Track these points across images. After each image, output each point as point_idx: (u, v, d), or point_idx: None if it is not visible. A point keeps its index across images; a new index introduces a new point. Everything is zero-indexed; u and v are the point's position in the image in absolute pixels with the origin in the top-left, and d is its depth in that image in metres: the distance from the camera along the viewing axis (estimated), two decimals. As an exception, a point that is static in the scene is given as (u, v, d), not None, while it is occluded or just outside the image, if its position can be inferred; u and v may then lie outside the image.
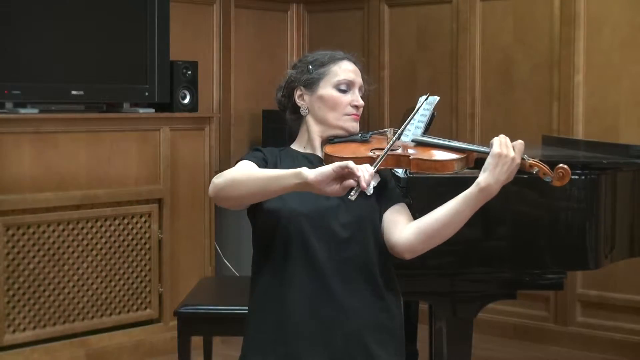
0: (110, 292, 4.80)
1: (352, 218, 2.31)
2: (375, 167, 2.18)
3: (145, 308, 4.95)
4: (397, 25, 5.85)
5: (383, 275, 2.35)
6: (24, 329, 4.48)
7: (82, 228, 4.68)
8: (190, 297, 3.65)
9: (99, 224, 4.74)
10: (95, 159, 4.72)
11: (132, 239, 4.88)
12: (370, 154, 2.33)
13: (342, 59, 2.46)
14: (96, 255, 4.73)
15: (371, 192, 2.30)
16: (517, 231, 3.02)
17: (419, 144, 2.42)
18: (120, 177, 4.82)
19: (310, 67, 2.43)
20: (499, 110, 5.41)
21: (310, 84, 2.42)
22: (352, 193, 2.09)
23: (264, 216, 2.31)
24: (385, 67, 5.88)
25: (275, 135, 5.60)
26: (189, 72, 5.13)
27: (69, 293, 4.63)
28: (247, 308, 2.43)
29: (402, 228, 2.32)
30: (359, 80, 2.46)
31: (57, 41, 4.64)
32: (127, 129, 4.85)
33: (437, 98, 3.31)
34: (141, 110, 4.96)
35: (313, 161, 2.39)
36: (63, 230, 4.60)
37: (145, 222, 4.92)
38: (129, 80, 4.92)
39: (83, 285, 4.69)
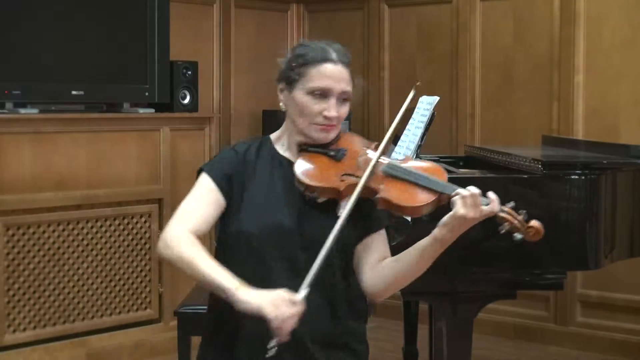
0: (110, 292, 4.80)
1: (311, 244, 2.19)
2: (315, 275, 2.10)
3: (145, 308, 4.95)
4: (397, 25, 5.85)
5: (350, 297, 2.27)
6: (24, 329, 4.48)
7: (82, 228, 4.68)
8: (190, 297, 3.65)
9: (99, 224, 4.74)
10: (95, 159, 4.72)
11: (132, 239, 4.88)
12: (338, 185, 2.20)
13: (325, 60, 2.23)
14: (96, 255, 4.73)
15: (341, 214, 2.18)
16: (517, 231, 3.02)
17: (389, 175, 2.22)
18: (120, 177, 4.82)
19: (295, 62, 2.26)
20: (499, 110, 5.41)
21: (290, 82, 2.26)
22: (270, 344, 2.05)
23: (226, 238, 2.25)
24: (385, 67, 5.88)
25: (275, 135, 5.59)
26: (189, 72, 5.13)
27: (69, 293, 4.63)
28: None
29: (369, 273, 2.27)
30: (339, 87, 2.23)
31: (57, 41, 4.64)
32: (127, 129, 4.85)
33: (437, 98, 3.31)
34: (141, 110, 4.96)
35: (286, 168, 2.27)
36: (63, 230, 4.60)
37: (145, 222, 4.92)
38: (129, 80, 4.92)
39: (83, 285, 4.69)
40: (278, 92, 2.32)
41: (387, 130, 2.35)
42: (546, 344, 5.18)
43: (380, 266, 2.27)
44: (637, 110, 4.94)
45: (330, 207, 2.23)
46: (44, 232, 4.54)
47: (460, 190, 2.12)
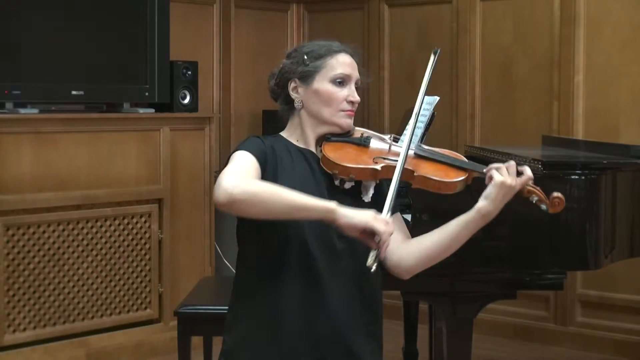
0: (110, 292, 4.80)
1: None
2: (391, 203, 2.19)
3: (145, 308, 4.95)
4: (397, 25, 5.85)
5: (374, 287, 2.34)
6: (24, 329, 4.48)
7: (82, 228, 4.68)
8: (190, 297, 3.65)
9: (99, 224, 4.74)
10: (95, 159, 4.72)
11: (132, 239, 4.88)
12: (373, 165, 2.29)
13: (339, 51, 2.36)
14: (96, 255, 4.73)
15: (369, 200, 2.35)
16: (517, 231, 3.03)
17: (419, 157, 2.36)
18: (120, 177, 4.82)
19: (306, 58, 2.34)
20: (499, 111, 5.41)
21: (306, 77, 2.33)
22: (370, 260, 2.11)
23: (268, 226, 2.25)
24: (385, 67, 5.88)
25: (275, 135, 5.59)
26: (189, 72, 5.13)
27: (69, 293, 4.63)
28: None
29: (401, 250, 2.33)
30: (355, 74, 2.37)
31: (57, 41, 4.64)
32: (127, 129, 4.85)
33: (437, 98, 3.32)
34: (141, 110, 4.96)
35: (308, 157, 2.34)
36: (63, 230, 4.60)
37: (145, 222, 4.92)
38: (129, 80, 4.92)
39: (83, 285, 4.68)
40: (290, 90, 2.35)
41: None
42: (546, 344, 5.18)
43: (411, 242, 2.35)
44: (637, 110, 4.94)
45: (355, 193, 2.34)
46: (44, 232, 4.54)
47: (495, 165, 2.26)
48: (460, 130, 5.52)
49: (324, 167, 2.30)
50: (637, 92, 4.93)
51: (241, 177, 2.13)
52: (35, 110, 4.54)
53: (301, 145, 2.37)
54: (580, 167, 3.08)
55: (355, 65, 2.38)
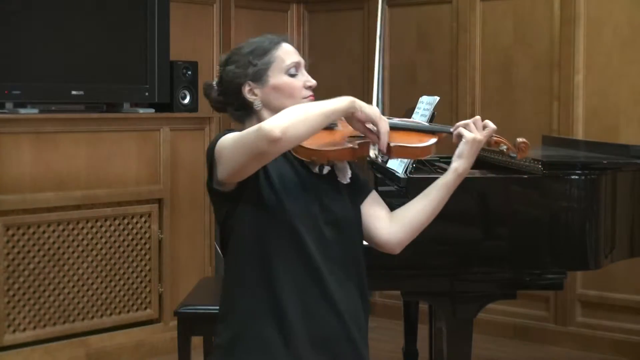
0: (110, 292, 4.80)
1: (333, 217, 2.29)
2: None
3: (145, 308, 4.95)
4: (397, 25, 5.85)
5: (364, 274, 2.35)
6: (24, 329, 4.48)
7: (82, 228, 4.68)
8: (190, 297, 3.65)
9: (99, 224, 4.74)
10: (95, 159, 4.72)
11: (132, 239, 4.88)
12: (350, 144, 2.28)
13: (279, 42, 2.33)
14: (96, 255, 4.73)
15: (348, 181, 2.37)
16: (517, 231, 3.03)
17: (391, 128, 2.33)
18: (120, 177, 4.82)
19: (252, 58, 2.30)
20: (499, 111, 5.41)
21: (259, 76, 2.30)
22: (372, 153, 2.21)
23: (258, 217, 2.24)
24: (385, 67, 5.87)
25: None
26: (189, 72, 5.13)
27: (69, 293, 4.63)
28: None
29: (385, 224, 2.36)
30: (302, 59, 2.35)
31: (57, 41, 4.64)
32: (127, 129, 4.85)
33: (437, 98, 3.32)
34: (141, 110, 4.96)
35: (285, 153, 2.28)
36: (63, 230, 4.60)
37: (145, 222, 4.92)
38: (129, 80, 4.92)
39: (83, 285, 4.69)
40: (245, 94, 2.31)
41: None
42: (546, 344, 5.19)
43: (395, 215, 2.38)
44: (637, 110, 4.94)
45: (333, 177, 2.35)
46: (44, 232, 4.54)
47: (460, 122, 2.34)
48: (460, 130, 5.52)
49: (299, 157, 2.28)
50: (637, 92, 4.93)
51: (275, 118, 2.11)
52: (35, 110, 4.54)
53: None
54: (580, 167, 3.09)
55: (297, 51, 2.38)
